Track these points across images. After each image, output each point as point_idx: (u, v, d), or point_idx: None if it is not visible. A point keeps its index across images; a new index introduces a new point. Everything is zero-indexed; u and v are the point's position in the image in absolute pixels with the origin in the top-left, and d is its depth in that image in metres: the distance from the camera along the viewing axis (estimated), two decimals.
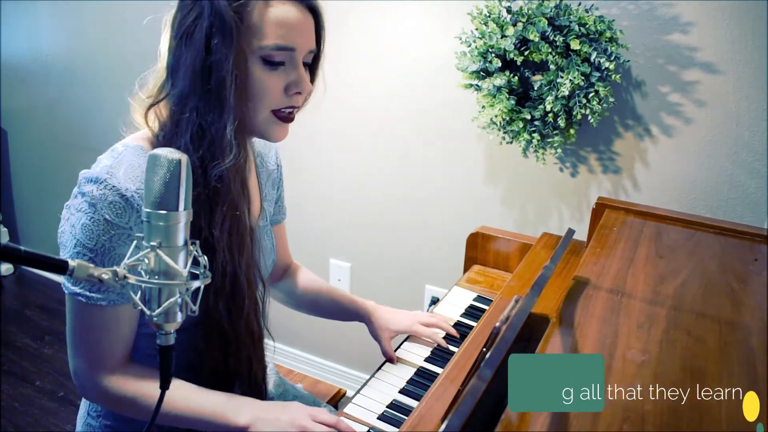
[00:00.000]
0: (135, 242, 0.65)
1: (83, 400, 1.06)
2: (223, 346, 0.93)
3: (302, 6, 0.88)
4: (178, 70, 0.85)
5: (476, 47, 1.47)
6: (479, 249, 1.44)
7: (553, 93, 1.42)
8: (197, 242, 0.67)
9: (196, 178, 0.85)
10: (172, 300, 0.64)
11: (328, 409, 1.27)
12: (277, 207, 1.19)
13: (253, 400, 0.92)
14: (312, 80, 0.96)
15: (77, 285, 0.84)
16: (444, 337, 1.17)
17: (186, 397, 0.89)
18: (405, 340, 1.18)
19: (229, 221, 0.89)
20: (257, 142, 1.10)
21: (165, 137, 0.87)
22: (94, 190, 0.82)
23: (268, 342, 1.06)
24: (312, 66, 0.96)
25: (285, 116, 0.91)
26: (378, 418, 0.98)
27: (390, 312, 1.21)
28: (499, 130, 1.55)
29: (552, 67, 1.41)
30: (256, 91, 0.87)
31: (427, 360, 1.13)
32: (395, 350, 1.15)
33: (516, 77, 1.47)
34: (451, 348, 1.15)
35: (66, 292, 0.86)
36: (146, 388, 0.90)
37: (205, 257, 0.67)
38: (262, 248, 1.07)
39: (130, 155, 0.86)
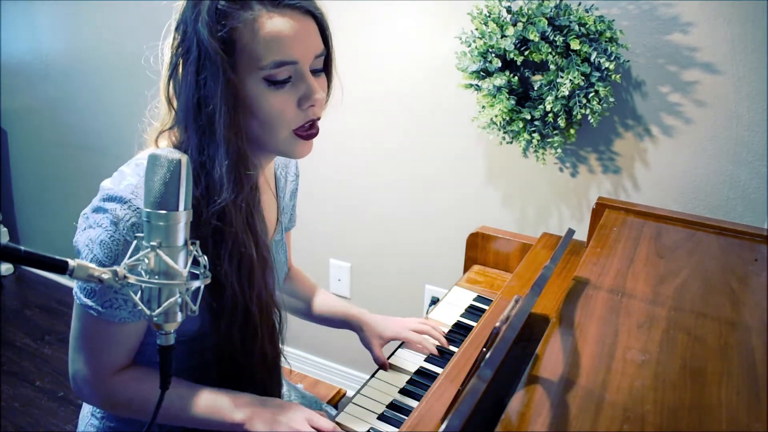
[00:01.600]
0: (135, 242, 0.65)
1: None
2: (238, 372, 0.93)
3: (298, 12, 0.81)
4: (177, 104, 0.84)
5: (476, 47, 1.47)
6: (479, 249, 1.44)
7: (553, 93, 1.42)
8: (197, 242, 0.67)
9: (198, 217, 0.82)
10: (172, 300, 0.64)
11: (328, 408, 1.27)
12: (288, 215, 1.17)
13: (252, 396, 0.92)
14: (328, 82, 0.92)
15: (90, 298, 0.83)
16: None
17: (181, 395, 0.89)
18: (399, 347, 1.17)
19: (237, 258, 0.86)
20: None
21: None
22: (118, 209, 0.80)
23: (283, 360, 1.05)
24: (324, 68, 0.90)
25: (306, 134, 0.87)
26: (378, 418, 0.98)
27: (381, 319, 1.20)
28: (499, 130, 1.55)
29: (552, 67, 1.41)
30: (267, 114, 0.83)
31: (427, 360, 1.13)
32: (388, 357, 1.14)
33: (516, 77, 1.47)
34: (451, 348, 1.15)
35: (77, 301, 0.85)
36: (143, 391, 0.89)
37: (205, 257, 0.67)
38: (276, 263, 1.05)
39: None
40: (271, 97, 0.82)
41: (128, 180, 0.82)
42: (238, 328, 0.90)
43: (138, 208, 0.80)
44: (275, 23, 0.79)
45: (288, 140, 0.87)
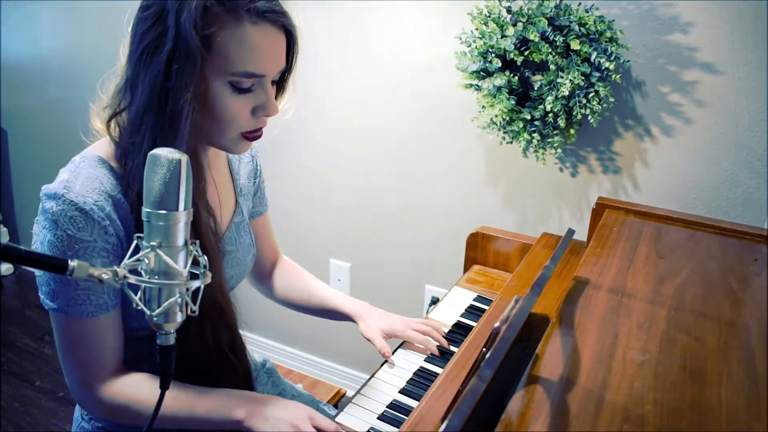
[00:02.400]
0: (135, 242, 0.65)
1: (78, 403, 1.06)
2: (196, 362, 0.92)
3: (276, 28, 0.84)
4: (137, 87, 0.83)
5: (476, 47, 1.47)
6: (479, 249, 1.44)
7: (553, 93, 1.42)
8: (197, 242, 0.67)
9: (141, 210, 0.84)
10: (172, 300, 0.64)
11: (326, 408, 1.27)
12: (256, 199, 1.17)
13: (252, 394, 0.91)
14: (278, 95, 0.95)
15: (54, 301, 0.84)
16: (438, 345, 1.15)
17: (176, 395, 0.89)
18: (399, 347, 1.16)
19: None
20: None
21: (122, 153, 0.85)
22: (54, 206, 0.81)
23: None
24: (279, 82, 0.93)
25: (252, 136, 0.90)
26: (378, 418, 0.98)
27: (383, 313, 1.19)
28: (499, 130, 1.55)
29: (552, 67, 1.41)
30: (224, 115, 0.85)
31: (427, 360, 1.13)
32: (385, 361, 1.12)
33: (516, 77, 1.47)
34: (451, 348, 1.15)
35: (46, 308, 0.86)
36: (140, 395, 0.89)
37: (205, 257, 0.67)
38: (240, 245, 1.06)
39: (87, 166, 0.85)
40: (231, 100, 0.84)
41: (61, 176, 0.85)
42: (196, 320, 0.89)
43: (71, 201, 0.81)
44: (256, 36, 0.82)
45: (233, 140, 0.89)
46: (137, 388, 0.90)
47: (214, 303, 0.92)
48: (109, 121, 0.88)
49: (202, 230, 0.89)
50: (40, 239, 0.84)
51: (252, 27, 0.81)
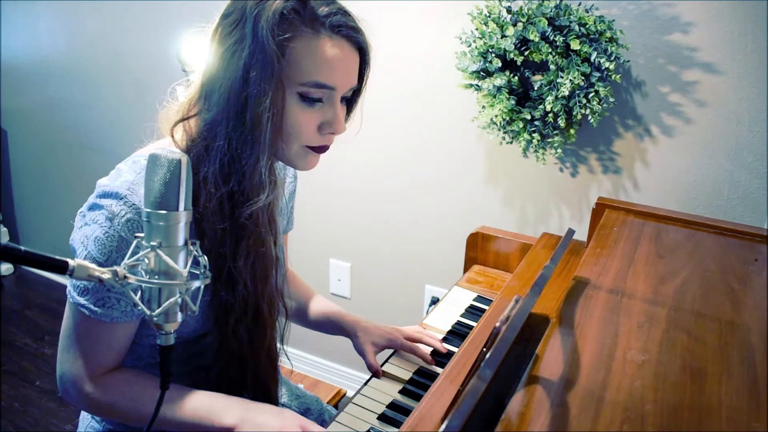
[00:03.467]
0: (135, 242, 0.65)
1: None
2: (243, 369, 0.93)
3: (350, 44, 0.84)
4: (213, 94, 0.82)
5: (476, 47, 1.47)
6: (479, 249, 1.44)
7: (553, 93, 1.42)
8: (197, 242, 0.67)
9: (223, 212, 0.83)
10: (172, 300, 0.64)
11: (328, 408, 1.27)
12: (287, 217, 1.17)
13: (242, 400, 0.90)
14: (348, 113, 0.94)
15: (83, 296, 0.83)
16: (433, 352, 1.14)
17: (169, 397, 0.87)
18: (392, 355, 1.15)
19: (254, 255, 0.87)
20: None
21: (194, 159, 0.83)
22: (113, 206, 0.80)
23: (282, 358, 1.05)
24: (350, 101, 0.93)
25: (317, 148, 0.89)
26: (378, 418, 0.98)
27: (375, 326, 1.18)
28: (499, 130, 1.55)
29: (552, 67, 1.41)
30: (290, 127, 0.84)
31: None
32: (382, 365, 1.12)
33: (516, 77, 1.47)
34: (451, 348, 1.15)
35: (70, 300, 0.85)
36: (130, 394, 0.88)
37: (205, 257, 0.67)
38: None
39: None
40: (299, 112, 0.84)
41: (124, 176, 0.82)
42: (245, 325, 0.89)
43: (134, 204, 0.80)
44: (330, 48, 0.82)
45: (297, 153, 0.88)
46: (129, 386, 0.89)
47: (276, 311, 0.93)
48: (175, 125, 0.86)
49: (278, 236, 0.90)
50: (86, 234, 0.81)
51: (327, 39, 0.81)
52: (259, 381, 0.95)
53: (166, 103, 0.90)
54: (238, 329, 0.89)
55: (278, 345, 0.99)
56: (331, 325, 1.22)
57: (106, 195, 0.81)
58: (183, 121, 0.86)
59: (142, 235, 0.64)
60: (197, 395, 0.89)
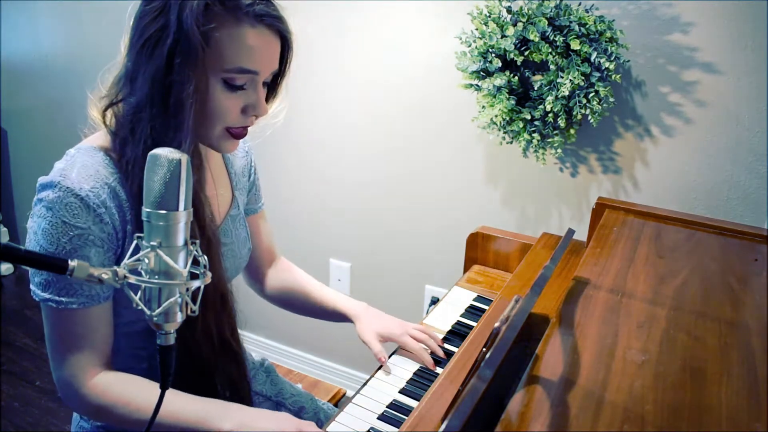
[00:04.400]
0: (135, 242, 0.65)
1: None
2: (191, 354, 0.92)
3: (272, 31, 0.87)
4: (137, 78, 0.85)
5: (476, 47, 1.47)
6: (479, 249, 1.44)
7: (553, 93, 1.42)
8: (197, 242, 0.67)
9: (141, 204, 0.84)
10: (172, 300, 0.64)
11: (324, 405, 1.27)
12: (252, 195, 1.17)
13: (240, 406, 0.90)
14: (269, 98, 0.97)
15: (46, 291, 0.84)
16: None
17: (167, 401, 0.85)
18: (394, 353, 1.15)
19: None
20: None
21: (120, 143, 0.87)
22: (50, 194, 0.82)
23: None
24: (272, 84, 0.96)
25: (238, 133, 0.91)
26: (378, 418, 0.98)
27: (380, 314, 1.18)
28: (499, 130, 1.55)
29: (552, 67, 1.41)
30: (214, 111, 0.87)
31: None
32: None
33: (516, 77, 1.47)
34: (451, 348, 1.15)
35: (36, 299, 0.86)
36: (127, 396, 0.88)
37: (205, 257, 0.67)
38: (236, 237, 1.07)
39: (82, 156, 0.86)
40: (222, 97, 0.87)
41: (56, 166, 0.86)
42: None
43: (67, 187, 0.82)
44: (252, 35, 0.85)
45: (219, 136, 0.91)
46: (125, 389, 0.88)
47: (215, 291, 0.93)
48: (105, 110, 0.89)
49: (204, 221, 0.91)
50: (34, 230, 0.84)
51: (249, 28, 0.85)
52: (210, 365, 0.94)
53: (96, 89, 0.93)
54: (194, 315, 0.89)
55: (230, 323, 0.98)
56: (333, 312, 1.21)
57: (42, 187, 0.84)
58: (111, 106, 0.89)
59: (142, 235, 0.64)
60: (193, 400, 0.89)
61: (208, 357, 0.95)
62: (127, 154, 0.85)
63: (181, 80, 0.82)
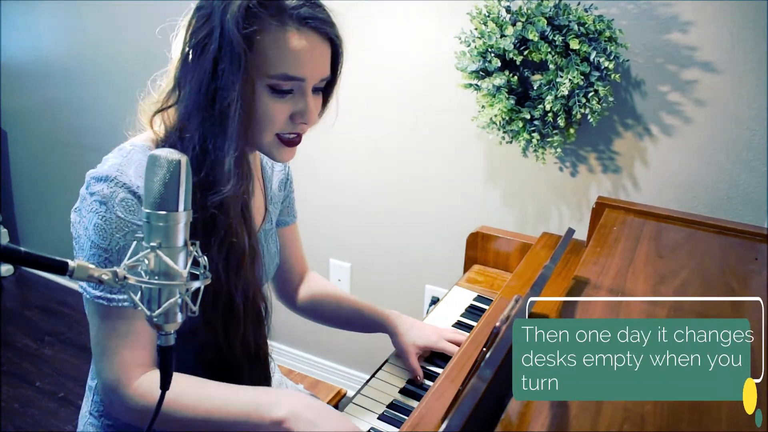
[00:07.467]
0: (135, 242, 0.65)
1: (85, 398, 1.05)
2: (221, 363, 0.92)
3: (319, 36, 0.85)
4: (185, 86, 0.84)
5: (476, 47, 1.47)
6: (479, 249, 1.44)
7: (553, 92, 1.42)
8: (197, 243, 0.67)
9: (195, 201, 0.82)
10: (172, 300, 0.63)
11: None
12: (284, 208, 1.16)
13: (290, 392, 0.88)
14: (324, 104, 0.95)
15: (98, 289, 0.83)
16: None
17: (211, 394, 0.85)
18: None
19: (227, 246, 0.87)
20: None
21: (172, 148, 0.86)
22: (105, 189, 0.81)
23: (271, 349, 1.04)
24: (325, 91, 0.93)
25: (289, 141, 0.89)
26: (378, 418, 0.98)
27: (416, 325, 1.14)
28: (499, 129, 1.55)
29: (551, 66, 1.41)
30: (261, 117, 0.85)
31: (427, 360, 1.13)
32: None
33: (515, 77, 1.47)
34: None
35: (87, 297, 0.84)
36: (171, 394, 0.86)
37: (205, 257, 0.67)
38: (267, 252, 1.05)
39: (138, 154, 0.86)
40: (269, 103, 0.85)
41: (111, 161, 0.84)
42: (219, 316, 0.89)
43: (124, 183, 0.81)
44: (297, 40, 0.83)
45: (271, 143, 0.89)
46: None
47: (254, 302, 0.93)
48: (153, 116, 0.88)
49: (252, 227, 0.90)
50: (84, 225, 0.82)
51: (294, 31, 0.82)
52: (240, 375, 0.94)
53: (146, 94, 0.92)
54: (212, 320, 0.89)
55: (262, 337, 0.98)
56: (365, 323, 1.18)
57: (95, 181, 0.82)
58: (160, 111, 0.87)
59: (141, 235, 0.64)
60: (242, 390, 0.86)
61: (244, 367, 0.94)
62: None
63: (226, 86, 0.81)
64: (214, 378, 0.91)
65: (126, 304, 0.84)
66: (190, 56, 0.83)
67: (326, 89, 0.94)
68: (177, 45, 0.87)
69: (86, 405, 1.04)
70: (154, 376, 0.87)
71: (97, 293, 0.83)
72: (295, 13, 0.82)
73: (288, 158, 0.92)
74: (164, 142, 0.87)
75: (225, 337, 0.91)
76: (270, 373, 1.03)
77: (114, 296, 0.83)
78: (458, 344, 1.11)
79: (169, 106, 0.87)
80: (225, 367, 0.93)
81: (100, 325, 0.86)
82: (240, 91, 0.81)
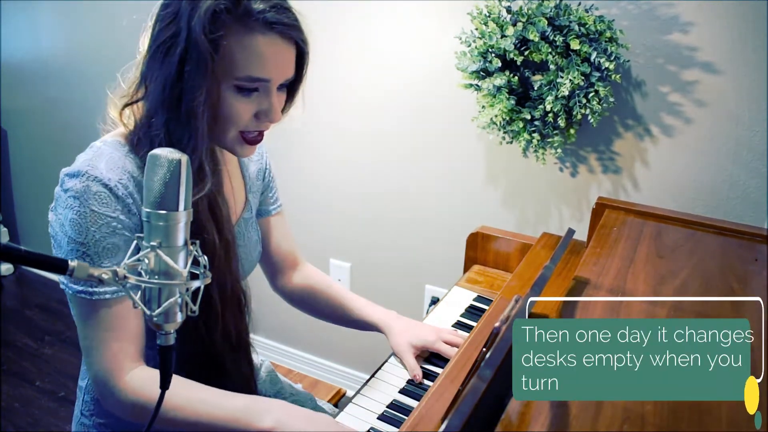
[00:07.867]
0: (135, 242, 0.65)
1: (77, 400, 1.05)
2: (203, 353, 0.93)
3: (284, 39, 0.86)
4: (151, 82, 0.85)
5: (476, 47, 1.47)
6: (479, 249, 1.44)
7: (553, 93, 1.42)
8: (197, 242, 0.67)
9: None
10: (172, 300, 0.64)
11: (324, 406, 1.26)
12: (264, 197, 1.16)
13: (281, 403, 0.89)
14: (288, 101, 0.96)
15: (78, 283, 0.84)
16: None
17: (204, 399, 0.86)
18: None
19: (198, 242, 0.88)
20: None
21: (137, 143, 0.87)
22: (77, 184, 0.82)
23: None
24: (289, 89, 0.95)
25: (252, 139, 0.91)
26: (378, 418, 0.98)
27: (412, 325, 1.14)
28: (499, 130, 1.55)
29: (552, 67, 1.41)
30: (226, 115, 0.87)
31: (427, 360, 1.13)
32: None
33: (516, 77, 1.47)
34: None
35: (69, 293, 0.85)
36: (167, 396, 0.87)
37: (205, 257, 0.67)
38: (248, 240, 1.07)
39: (109, 148, 0.87)
40: (234, 102, 0.86)
41: (82, 158, 0.86)
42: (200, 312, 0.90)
43: (96, 176, 0.82)
44: (263, 44, 0.84)
45: (234, 140, 0.90)
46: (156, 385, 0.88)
47: (233, 292, 0.94)
48: (122, 109, 0.89)
49: (222, 222, 0.91)
50: (60, 221, 0.83)
51: (260, 36, 0.83)
52: (222, 365, 0.95)
53: (117, 86, 0.93)
54: (211, 314, 0.90)
55: (242, 326, 0.98)
56: (362, 321, 1.18)
57: (69, 177, 0.83)
58: (128, 105, 0.89)
59: (142, 235, 0.64)
60: (234, 397, 0.88)
61: (226, 357, 0.95)
62: (143, 154, 0.85)
63: (191, 88, 0.82)
64: (196, 367, 0.92)
65: (108, 296, 0.84)
66: (156, 54, 0.84)
67: (291, 87, 0.95)
68: (144, 39, 0.89)
69: (77, 406, 1.05)
70: (147, 372, 0.88)
71: (79, 288, 0.84)
72: (261, 18, 0.83)
73: (249, 154, 0.93)
74: (133, 135, 0.88)
75: (205, 327, 0.91)
76: (252, 359, 1.03)
77: (95, 289, 0.84)
78: (456, 346, 1.10)
79: (137, 100, 0.89)
80: (207, 356, 0.93)
81: (85, 320, 0.86)
82: (207, 91, 0.83)
